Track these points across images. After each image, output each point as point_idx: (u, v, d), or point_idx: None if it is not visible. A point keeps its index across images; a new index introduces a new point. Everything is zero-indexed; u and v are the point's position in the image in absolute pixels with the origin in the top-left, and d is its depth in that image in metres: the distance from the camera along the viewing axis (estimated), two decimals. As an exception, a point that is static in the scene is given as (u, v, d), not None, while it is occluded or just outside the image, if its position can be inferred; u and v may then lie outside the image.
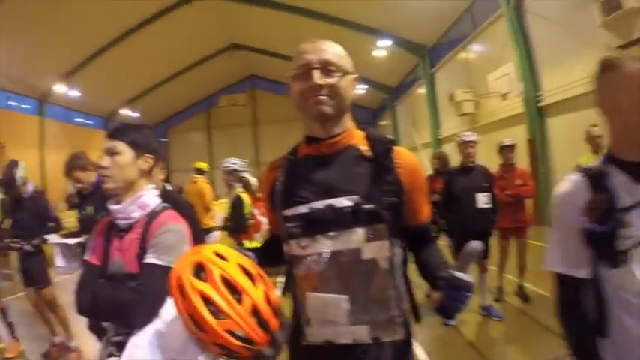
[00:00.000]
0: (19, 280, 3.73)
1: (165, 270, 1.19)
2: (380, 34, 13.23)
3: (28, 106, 17.09)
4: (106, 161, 1.34)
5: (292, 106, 1.10)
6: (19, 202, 3.50)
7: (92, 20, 13.34)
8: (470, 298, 1.06)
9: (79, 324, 1.39)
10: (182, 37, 16.63)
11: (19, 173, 3.42)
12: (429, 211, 1.19)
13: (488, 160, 4.01)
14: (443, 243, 3.45)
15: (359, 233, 1.01)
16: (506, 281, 4.28)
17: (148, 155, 1.41)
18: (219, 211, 4.58)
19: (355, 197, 1.02)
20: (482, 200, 3.62)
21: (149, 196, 1.39)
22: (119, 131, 1.40)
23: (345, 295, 1.02)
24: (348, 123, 1.13)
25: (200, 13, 15.57)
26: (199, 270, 0.92)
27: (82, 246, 2.89)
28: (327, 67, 1.05)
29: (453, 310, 1.06)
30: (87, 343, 1.28)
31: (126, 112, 20.64)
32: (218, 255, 0.94)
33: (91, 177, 3.04)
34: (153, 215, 1.36)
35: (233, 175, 3.97)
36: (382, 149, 1.09)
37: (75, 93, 16.65)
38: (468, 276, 1.05)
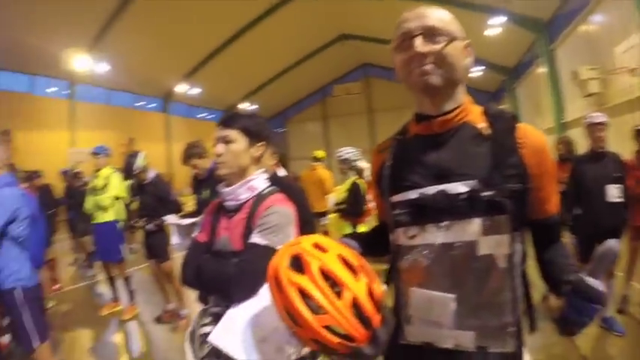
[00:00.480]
0: (142, 254, 4.29)
1: (269, 250, 1.22)
2: (491, 11, 12.13)
3: (154, 105, 19.71)
4: (220, 148, 1.41)
5: (408, 91, 0.98)
6: (142, 187, 4.01)
7: (207, 22, 14.56)
8: (599, 312, 0.87)
9: (193, 295, 1.52)
10: (293, 31, 17.31)
11: (137, 163, 3.91)
12: (558, 200, 1.01)
13: (619, 147, 3.42)
14: (566, 240, 3.03)
15: (475, 224, 0.89)
16: (632, 290, 3.65)
17: (260, 143, 1.46)
18: (333, 197, 4.80)
19: (472, 182, 0.89)
20: (614, 193, 3.09)
21: (258, 180, 1.44)
22: (232, 119, 1.45)
23: (452, 295, 0.90)
24: (462, 97, 0.99)
25: (309, 7, 16.03)
26: (297, 262, 0.88)
27: (196, 226, 3.21)
28: (430, 33, 0.92)
29: (576, 324, 0.87)
30: (197, 312, 1.42)
31: (245, 105, 21.83)
32: (317, 246, 0.89)
33: (206, 163, 3.35)
34: (261, 197, 1.40)
35: (346, 164, 4.17)
36: (504, 126, 0.94)
37: (195, 90, 18.44)
38: (600, 284, 0.86)
